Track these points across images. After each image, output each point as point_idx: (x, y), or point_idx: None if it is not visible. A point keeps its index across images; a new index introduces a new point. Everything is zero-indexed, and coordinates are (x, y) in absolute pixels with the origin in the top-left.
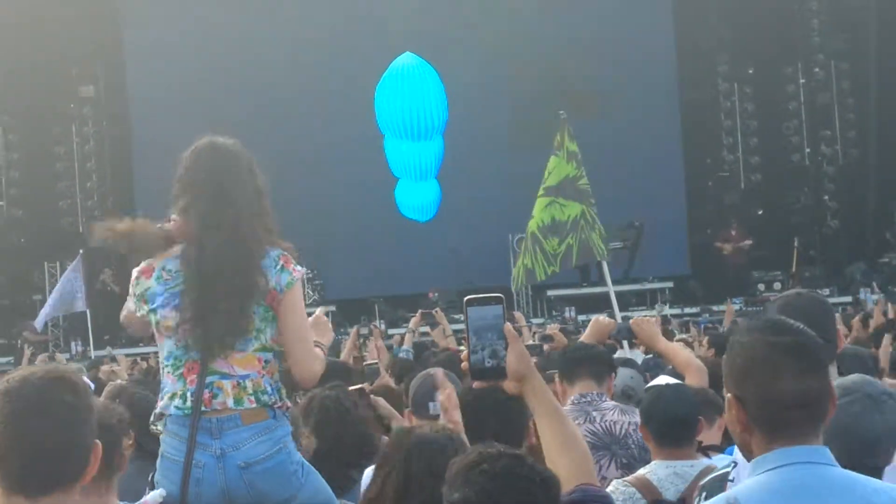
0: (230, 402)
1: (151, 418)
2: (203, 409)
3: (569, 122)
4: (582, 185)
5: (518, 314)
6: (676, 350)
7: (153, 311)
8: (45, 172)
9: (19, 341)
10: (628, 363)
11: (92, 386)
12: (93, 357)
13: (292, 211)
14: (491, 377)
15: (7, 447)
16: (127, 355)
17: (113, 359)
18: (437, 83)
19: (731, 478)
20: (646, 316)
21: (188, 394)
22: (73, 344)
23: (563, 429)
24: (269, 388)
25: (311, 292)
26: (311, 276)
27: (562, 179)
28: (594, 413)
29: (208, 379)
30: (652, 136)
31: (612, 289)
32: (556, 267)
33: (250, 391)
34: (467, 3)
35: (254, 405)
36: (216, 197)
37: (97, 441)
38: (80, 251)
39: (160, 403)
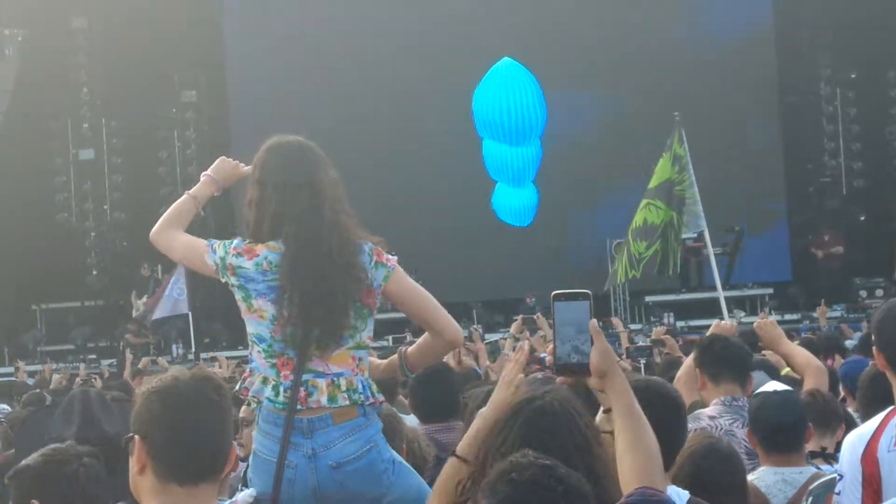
0: (324, 401)
1: (237, 387)
2: (298, 407)
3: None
4: (678, 191)
5: (616, 320)
6: (798, 352)
7: (247, 293)
8: (148, 176)
9: (121, 344)
10: (762, 364)
11: None
12: (195, 359)
13: (390, 213)
14: (574, 372)
15: (164, 440)
16: (228, 357)
17: (213, 359)
18: (535, 87)
19: (837, 490)
20: (762, 321)
21: (281, 388)
22: (173, 346)
23: (635, 429)
24: (360, 386)
25: None
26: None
27: (662, 182)
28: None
29: (304, 377)
30: (752, 140)
31: (721, 293)
32: (637, 272)
33: (344, 388)
34: (566, 6)
35: (347, 403)
36: (312, 195)
37: (235, 443)
38: None
39: (252, 381)
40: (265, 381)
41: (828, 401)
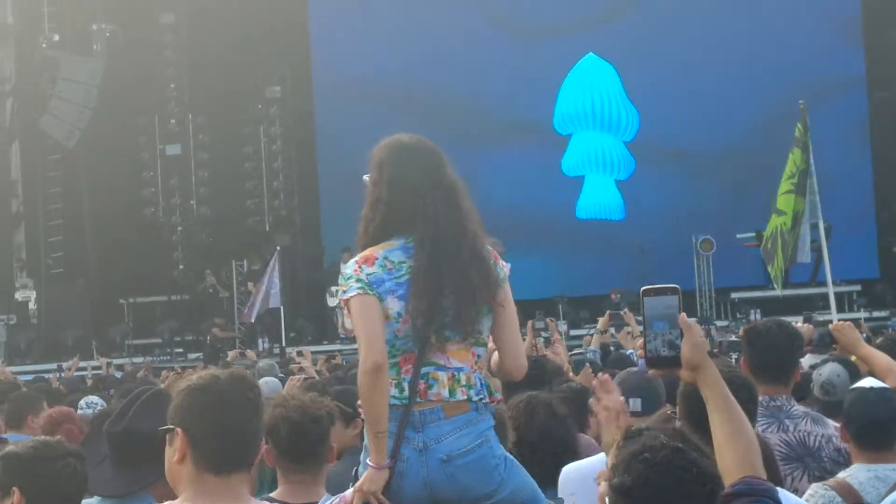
0: (445, 394)
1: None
2: (417, 399)
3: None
4: (810, 182)
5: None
6: (877, 355)
7: (378, 296)
8: (233, 172)
9: (208, 338)
10: (840, 359)
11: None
12: (282, 354)
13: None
14: (666, 365)
15: (204, 433)
16: (313, 352)
17: (300, 353)
18: (617, 81)
19: None
20: (843, 321)
21: (405, 383)
22: (259, 341)
23: (732, 420)
24: (479, 384)
25: None
26: None
27: (799, 171)
28: (787, 422)
29: (424, 369)
30: (840, 136)
31: (831, 289)
32: (784, 264)
33: (463, 383)
34: (652, 3)
35: (464, 398)
36: (447, 195)
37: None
38: (277, 248)
39: None
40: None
41: None
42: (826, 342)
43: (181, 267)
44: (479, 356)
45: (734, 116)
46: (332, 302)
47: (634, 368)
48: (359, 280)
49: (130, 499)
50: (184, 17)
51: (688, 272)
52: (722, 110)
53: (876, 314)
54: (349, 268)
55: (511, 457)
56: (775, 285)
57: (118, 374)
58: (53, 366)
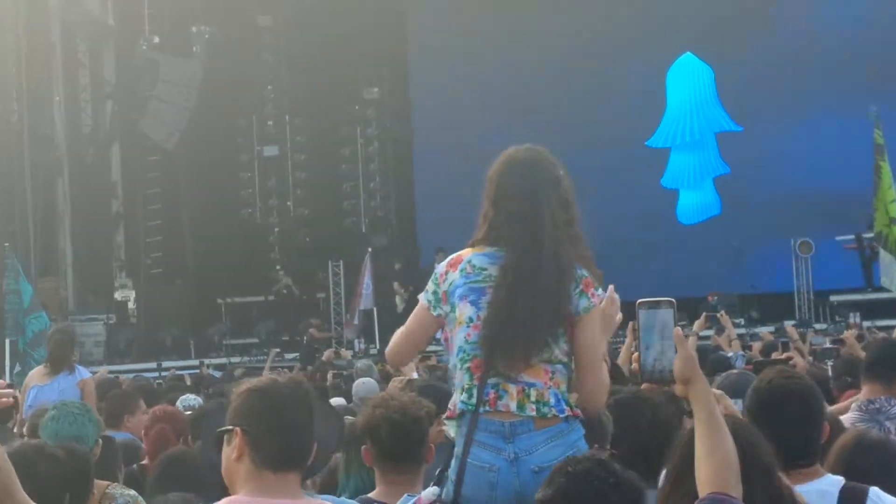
0: (513, 407)
1: (445, 415)
2: (487, 409)
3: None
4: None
5: (790, 328)
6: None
7: (452, 305)
8: (331, 173)
9: (305, 338)
10: None
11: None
12: (379, 354)
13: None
14: (659, 379)
15: (264, 432)
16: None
17: None
18: (711, 83)
19: None
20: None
21: (473, 390)
22: (356, 341)
23: (713, 436)
24: (552, 400)
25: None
26: None
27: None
28: (888, 423)
29: (494, 380)
30: None
31: None
32: None
33: (533, 399)
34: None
35: (534, 414)
36: (532, 213)
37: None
38: (369, 250)
39: (453, 401)
40: (461, 390)
41: None
42: None
43: (278, 267)
44: (553, 372)
45: (833, 114)
46: (401, 305)
47: (735, 371)
48: (435, 291)
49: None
50: (281, 18)
51: (786, 274)
52: (821, 107)
53: None
54: (439, 269)
55: None
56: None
57: (216, 374)
58: (153, 364)
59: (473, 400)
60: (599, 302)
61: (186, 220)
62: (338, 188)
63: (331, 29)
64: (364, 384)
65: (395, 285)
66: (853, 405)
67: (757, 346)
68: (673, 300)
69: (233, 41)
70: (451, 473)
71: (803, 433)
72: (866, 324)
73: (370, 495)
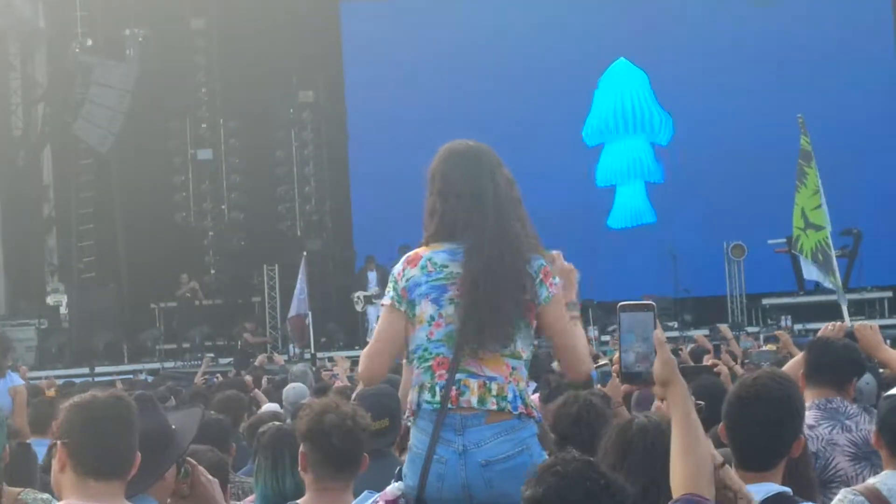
0: (474, 401)
1: (406, 414)
2: (449, 406)
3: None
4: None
5: (723, 327)
6: None
7: (411, 303)
8: (265, 177)
9: (239, 343)
10: (869, 368)
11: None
12: (312, 359)
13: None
14: (638, 381)
15: (81, 443)
16: (347, 357)
17: (331, 360)
18: (646, 85)
19: None
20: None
21: (437, 388)
22: (290, 346)
23: (688, 438)
24: (510, 395)
25: None
26: None
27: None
28: (848, 422)
29: (457, 376)
30: (872, 141)
31: (842, 296)
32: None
33: (494, 393)
34: (679, 8)
35: (494, 408)
36: (489, 205)
37: (138, 452)
38: (304, 254)
39: (410, 399)
40: (421, 388)
41: None
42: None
43: (213, 272)
44: (514, 368)
45: (765, 120)
46: (359, 307)
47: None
48: (395, 288)
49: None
50: (215, 21)
51: (719, 278)
52: (754, 113)
53: None
54: (396, 268)
55: None
56: (840, 298)
57: (150, 379)
58: (86, 370)
59: (438, 398)
60: (558, 291)
61: (119, 224)
62: (272, 192)
63: (265, 32)
64: (294, 389)
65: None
66: (810, 403)
67: (686, 351)
68: (653, 303)
69: (166, 44)
70: (406, 467)
71: (769, 435)
72: (797, 326)
73: (299, 502)
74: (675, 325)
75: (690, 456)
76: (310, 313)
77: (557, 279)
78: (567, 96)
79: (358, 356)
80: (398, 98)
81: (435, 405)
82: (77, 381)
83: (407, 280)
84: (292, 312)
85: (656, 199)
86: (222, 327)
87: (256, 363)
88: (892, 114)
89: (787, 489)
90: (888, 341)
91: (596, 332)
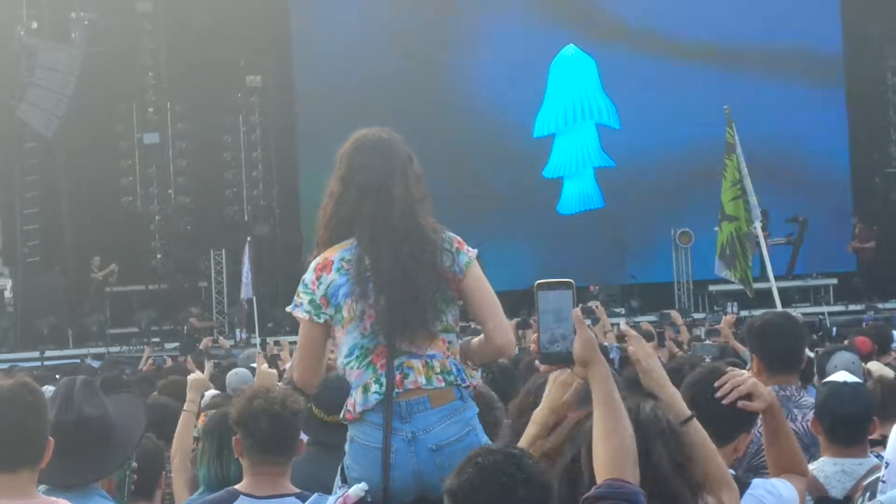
0: (422, 381)
1: (341, 415)
2: (396, 390)
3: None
4: (737, 189)
5: (674, 312)
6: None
7: (337, 306)
8: (213, 161)
9: (185, 328)
10: (849, 348)
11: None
12: (260, 343)
13: (458, 204)
14: (558, 361)
15: None
16: (291, 342)
17: (278, 344)
18: (594, 72)
19: (883, 478)
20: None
21: (382, 378)
22: (237, 331)
23: (610, 420)
24: (454, 369)
25: None
26: None
27: (742, 176)
28: (795, 411)
29: (398, 360)
30: (818, 130)
31: (774, 284)
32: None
33: (438, 370)
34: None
35: (442, 384)
36: (385, 186)
37: (50, 437)
38: (248, 239)
39: (353, 401)
40: (365, 388)
41: (890, 390)
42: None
43: (159, 256)
44: (450, 342)
45: (710, 108)
46: None
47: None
48: (312, 300)
49: (82, 489)
50: (161, 4)
51: (667, 264)
52: (697, 101)
53: (852, 307)
54: (308, 275)
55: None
56: (746, 289)
57: (96, 364)
58: (35, 354)
59: (384, 388)
60: (475, 254)
61: (65, 208)
62: (220, 176)
63: (212, 15)
64: (237, 375)
65: None
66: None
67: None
68: (572, 281)
69: (112, 27)
70: (349, 459)
71: (726, 416)
72: (743, 313)
73: (237, 487)
74: (623, 311)
75: (613, 438)
76: (254, 297)
77: (475, 249)
78: (518, 79)
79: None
80: (347, 82)
81: (382, 394)
82: (22, 365)
83: (326, 287)
84: (243, 296)
85: (604, 186)
86: (169, 312)
87: (201, 346)
88: (838, 99)
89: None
90: (834, 328)
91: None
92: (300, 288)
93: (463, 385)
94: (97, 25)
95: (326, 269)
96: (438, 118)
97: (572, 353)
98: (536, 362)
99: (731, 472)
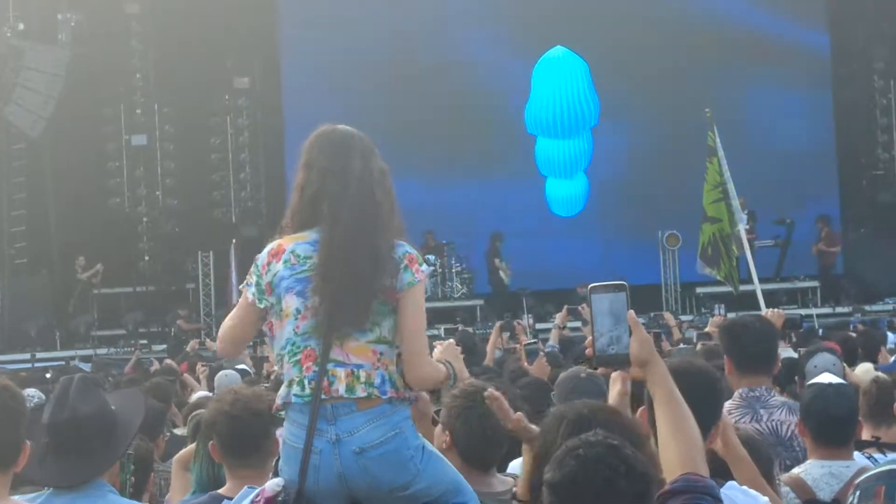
0: (342, 390)
1: (274, 408)
2: (323, 396)
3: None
4: (720, 192)
5: (668, 314)
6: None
7: (278, 298)
8: (200, 163)
9: (173, 330)
10: (831, 350)
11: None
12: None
13: (444, 207)
14: (614, 363)
15: None
16: None
17: (262, 342)
18: (587, 76)
19: None
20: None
21: (305, 381)
22: None
23: (677, 417)
24: (378, 380)
25: (459, 285)
26: (459, 269)
27: (724, 179)
28: (762, 411)
29: (326, 366)
30: (806, 133)
31: (758, 286)
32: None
33: (362, 380)
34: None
35: (364, 395)
36: (355, 182)
37: (27, 442)
38: (233, 241)
39: (281, 392)
40: (290, 383)
41: (885, 392)
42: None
43: (147, 258)
44: (381, 353)
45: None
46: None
47: (583, 374)
48: (258, 283)
49: (90, 486)
50: (149, 6)
51: (654, 266)
52: (693, 101)
53: (839, 310)
54: (261, 259)
55: (431, 448)
56: (731, 286)
57: (85, 366)
58: (24, 356)
59: (307, 391)
60: (424, 277)
61: (52, 210)
62: (207, 178)
63: (200, 17)
64: (227, 376)
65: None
66: (735, 393)
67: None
68: (625, 283)
69: (100, 28)
70: (281, 461)
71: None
72: (731, 315)
73: (220, 491)
74: (589, 315)
75: (682, 434)
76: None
77: (425, 266)
78: (508, 78)
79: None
80: (334, 84)
81: (305, 398)
82: (10, 367)
83: (273, 275)
84: (232, 301)
85: (592, 188)
86: (156, 314)
87: (188, 348)
88: (825, 101)
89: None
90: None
91: (531, 320)
92: (252, 267)
93: (385, 398)
94: (84, 26)
95: (277, 257)
96: (428, 120)
97: (629, 354)
98: (592, 365)
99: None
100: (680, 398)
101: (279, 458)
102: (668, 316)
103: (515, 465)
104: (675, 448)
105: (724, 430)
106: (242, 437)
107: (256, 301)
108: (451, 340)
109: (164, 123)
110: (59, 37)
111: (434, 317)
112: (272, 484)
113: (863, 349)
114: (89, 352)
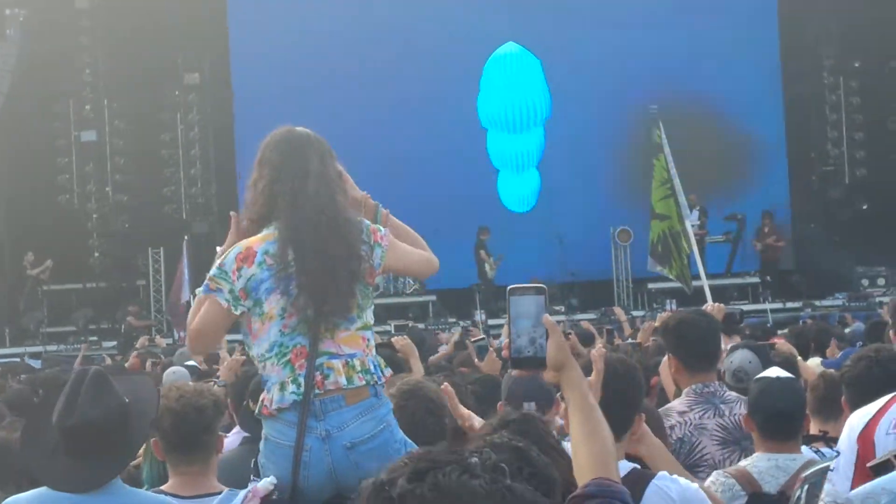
0: (343, 381)
1: (257, 410)
2: (316, 391)
3: (663, 116)
4: (667, 188)
5: (618, 309)
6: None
7: (257, 301)
8: (150, 159)
9: (123, 326)
10: (749, 346)
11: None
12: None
13: (395, 202)
14: (530, 366)
15: None
16: (229, 340)
17: None
18: (539, 73)
19: (832, 468)
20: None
21: (300, 379)
22: (175, 330)
23: (590, 422)
24: (372, 367)
25: (412, 281)
26: None
27: (671, 176)
28: (722, 406)
29: (318, 361)
30: (756, 130)
31: (705, 281)
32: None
33: (359, 369)
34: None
35: (363, 383)
36: (303, 178)
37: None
38: (185, 238)
39: (270, 397)
40: (282, 385)
41: (832, 386)
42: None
43: (97, 254)
44: (368, 339)
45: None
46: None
47: (514, 373)
48: (231, 290)
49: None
50: (99, 1)
51: (606, 262)
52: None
53: (790, 305)
54: (229, 263)
55: (410, 441)
56: (683, 285)
57: (34, 362)
58: None
59: (301, 389)
60: (389, 235)
61: (1, 207)
62: (158, 174)
63: (150, 12)
64: (174, 373)
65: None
66: (686, 390)
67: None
68: (544, 286)
69: (49, 24)
70: (262, 458)
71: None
72: (682, 310)
73: (163, 487)
74: (563, 309)
75: (594, 439)
76: (191, 297)
77: (383, 229)
78: (460, 74)
79: (240, 339)
80: (285, 80)
81: (299, 395)
82: None
83: (247, 280)
84: (184, 298)
85: (543, 183)
86: (106, 310)
87: (137, 345)
88: (776, 97)
89: (636, 465)
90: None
91: (483, 316)
92: (216, 273)
93: (379, 383)
94: (33, 22)
95: (248, 262)
96: (379, 116)
97: (545, 357)
98: (508, 366)
99: (635, 465)
100: (594, 403)
101: (258, 455)
102: (618, 311)
103: None
104: (587, 452)
105: (637, 423)
106: (184, 433)
107: (232, 308)
108: (407, 338)
109: (114, 119)
110: (6, 32)
111: (386, 313)
112: (265, 482)
113: (815, 342)
114: (39, 348)
